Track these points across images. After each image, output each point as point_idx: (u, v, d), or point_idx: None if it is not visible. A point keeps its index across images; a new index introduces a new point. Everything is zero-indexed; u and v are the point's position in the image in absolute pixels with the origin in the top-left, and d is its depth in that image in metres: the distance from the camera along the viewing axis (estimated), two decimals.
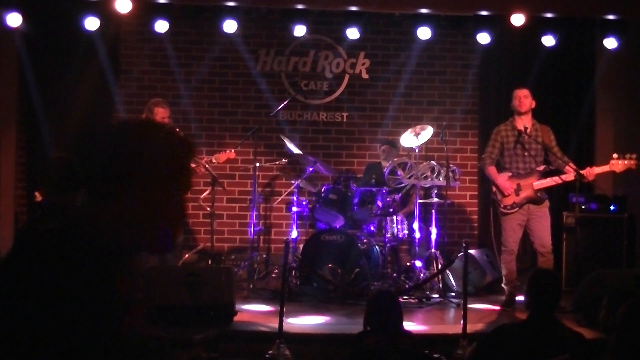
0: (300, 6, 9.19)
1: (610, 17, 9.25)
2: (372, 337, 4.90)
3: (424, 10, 9.21)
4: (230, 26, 9.31)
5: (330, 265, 8.23)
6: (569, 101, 10.12)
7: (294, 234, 9.00)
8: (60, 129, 9.67)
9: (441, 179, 8.52)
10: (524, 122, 7.98)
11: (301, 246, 8.73)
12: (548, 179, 7.89)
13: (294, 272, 8.43)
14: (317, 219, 9.09)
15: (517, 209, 7.92)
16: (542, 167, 7.95)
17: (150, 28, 9.39)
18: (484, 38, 9.51)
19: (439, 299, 8.30)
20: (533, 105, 8.03)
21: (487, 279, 8.87)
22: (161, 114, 8.16)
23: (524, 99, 7.96)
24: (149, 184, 2.04)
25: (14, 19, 8.86)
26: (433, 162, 8.65)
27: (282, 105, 9.35)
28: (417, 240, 8.63)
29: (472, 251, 8.86)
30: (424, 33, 9.49)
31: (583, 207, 8.97)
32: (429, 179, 8.56)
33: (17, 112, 9.84)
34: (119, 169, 2.00)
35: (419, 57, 10.29)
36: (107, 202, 2.01)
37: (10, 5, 8.78)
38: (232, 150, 8.64)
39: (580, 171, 7.79)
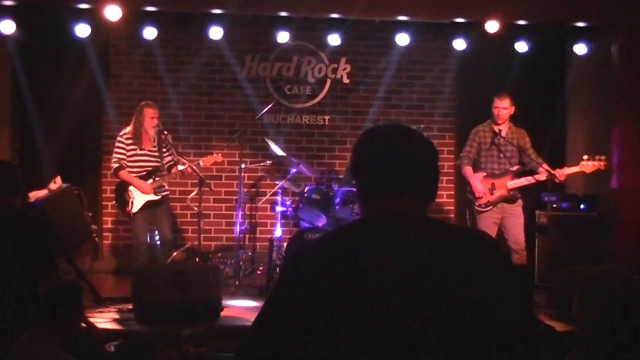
0: (284, 13, 9.18)
1: (580, 24, 9.30)
2: None
3: (402, 18, 9.21)
4: (216, 33, 9.29)
5: None
6: (542, 104, 10.14)
7: (279, 232, 9.01)
8: (52, 132, 9.66)
9: None
10: (500, 127, 8.03)
11: (285, 244, 8.74)
12: (522, 179, 7.93)
13: (278, 269, 8.43)
14: (300, 218, 9.08)
15: (491, 207, 7.96)
16: (516, 168, 7.99)
17: (140, 35, 9.35)
18: (460, 44, 9.54)
19: None
20: (512, 113, 8.06)
21: None
22: (151, 114, 8.15)
23: (502, 110, 7.97)
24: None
25: (8, 26, 8.82)
26: None
27: (267, 108, 9.35)
28: None
29: None
30: (403, 39, 9.50)
31: (555, 206, 9.03)
32: None
33: (11, 116, 9.80)
34: (436, 175, 2.27)
35: (398, 62, 10.32)
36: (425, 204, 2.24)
37: (3, 13, 8.75)
38: (219, 154, 8.62)
39: (552, 171, 7.84)
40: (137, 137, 8.13)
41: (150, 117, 8.14)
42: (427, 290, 2.00)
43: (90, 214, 8.60)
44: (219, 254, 9.94)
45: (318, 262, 2.11)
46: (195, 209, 8.84)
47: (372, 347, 1.98)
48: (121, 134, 8.22)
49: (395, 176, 2.18)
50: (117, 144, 8.19)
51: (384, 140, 2.23)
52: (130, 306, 6.77)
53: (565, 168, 8.02)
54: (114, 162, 8.18)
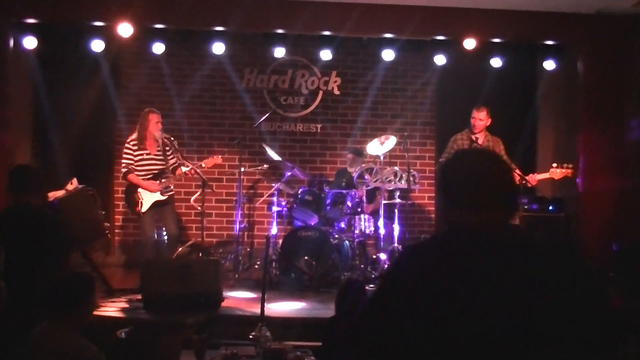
0: (280, 31, 9.23)
1: (550, 42, 9.38)
2: (342, 321, 4.93)
3: (388, 35, 9.27)
4: (218, 48, 9.35)
5: (306, 258, 8.27)
6: (514, 115, 10.21)
7: (274, 230, 9.06)
8: (68, 138, 9.72)
9: (403, 182, 8.57)
10: (477, 135, 8.08)
11: (280, 241, 8.78)
12: None
13: (274, 264, 8.48)
14: (294, 217, 9.12)
15: None
16: None
17: (148, 49, 9.42)
18: (440, 59, 9.60)
19: None
20: (488, 124, 8.10)
21: None
22: (155, 119, 8.20)
23: (479, 121, 8.04)
24: None
25: (30, 42, 8.90)
26: (396, 168, 8.72)
27: (264, 117, 9.43)
28: (382, 236, 8.69)
29: None
30: (388, 55, 9.56)
31: (526, 207, 9.09)
32: (393, 183, 8.62)
33: (32, 124, 9.88)
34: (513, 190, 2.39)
35: (384, 76, 10.42)
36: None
37: (27, 30, 8.82)
38: (219, 156, 8.66)
39: (525, 177, 7.89)
40: (141, 142, 8.16)
41: (156, 122, 8.18)
42: (508, 293, 2.12)
43: (103, 213, 8.62)
44: (220, 250, 9.98)
45: (418, 265, 2.27)
46: (199, 208, 8.89)
47: (459, 345, 2.13)
48: (128, 140, 8.25)
49: (481, 191, 2.29)
50: (125, 150, 8.22)
51: (469, 160, 2.39)
52: (138, 296, 6.81)
53: (536, 174, 8.08)
54: (123, 167, 8.21)
